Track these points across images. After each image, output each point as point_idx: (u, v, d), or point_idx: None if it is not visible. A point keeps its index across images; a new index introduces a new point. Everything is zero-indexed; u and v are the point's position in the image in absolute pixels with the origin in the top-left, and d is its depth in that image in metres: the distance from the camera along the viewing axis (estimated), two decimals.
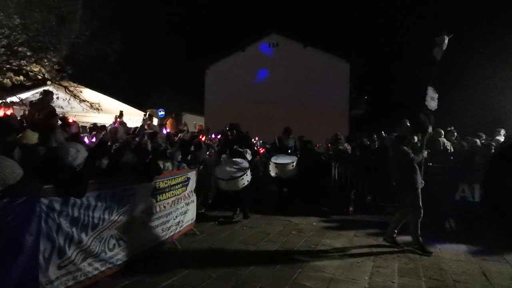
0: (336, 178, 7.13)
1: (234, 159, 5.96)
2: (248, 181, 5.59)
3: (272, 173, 6.83)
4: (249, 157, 6.02)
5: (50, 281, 2.69)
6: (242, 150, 6.23)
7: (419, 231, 4.48)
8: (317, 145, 11.49)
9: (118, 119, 8.12)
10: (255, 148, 9.55)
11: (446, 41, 4.64)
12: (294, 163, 6.61)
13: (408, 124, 4.63)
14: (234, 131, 6.33)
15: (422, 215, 4.45)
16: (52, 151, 2.85)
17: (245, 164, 5.81)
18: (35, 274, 2.56)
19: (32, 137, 3.05)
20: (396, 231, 4.69)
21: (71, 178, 2.77)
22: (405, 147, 4.50)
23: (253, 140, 10.27)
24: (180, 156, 5.02)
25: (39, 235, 2.57)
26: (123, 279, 3.36)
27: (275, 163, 6.72)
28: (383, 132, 8.88)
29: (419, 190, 4.45)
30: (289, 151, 7.05)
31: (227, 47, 23.34)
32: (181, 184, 4.71)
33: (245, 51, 22.42)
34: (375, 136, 8.85)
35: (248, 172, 5.63)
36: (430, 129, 4.80)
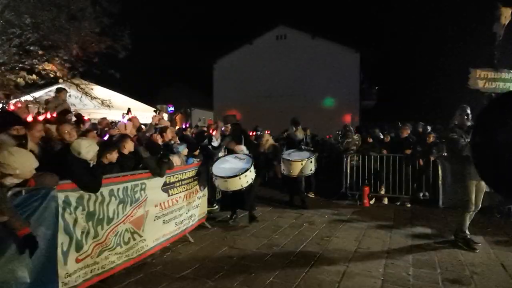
0: (348, 170, 7.06)
1: (236, 155, 5.21)
2: (248, 182, 4.75)
3: (285, 172, 5.98)
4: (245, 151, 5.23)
5: (69, 274, 2.77)
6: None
7: (466, 226, 4.23)
8: (327, 136, 11.40)
9: (126, 115, 8.19)
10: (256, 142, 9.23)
11: (509, 13, 4.22)
12: (312, 159, 5.87)
13: (469, 112, 4.23)
14: (229, 125, 5.68)
15: (472, 210, 4.18)
16: (66, 146, 2.90)
17: (248, 161, 4.99)
18: (54, 267, 2.63)
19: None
20: (466, 231, 4.27)
21: (85, 173, 2.82)
22: (454, 135, 4.12)
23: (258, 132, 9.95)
24: (187, 150, 5.02)
25: (56, 229, 2.64)
26: (138, 272, 3.43)
27: (288, 160, 5.88)
28: (399, 123, 8.63)
29: (472, 182, 4.09)
30: (302, 146, 6.43)
31: (234, 41, 23.12)
32: (192, 178, 4.74)
33: (253, 43, 22.23)
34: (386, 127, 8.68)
35: (250, 171, 4.81)
36: None
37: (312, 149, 6.46)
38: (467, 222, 4.25)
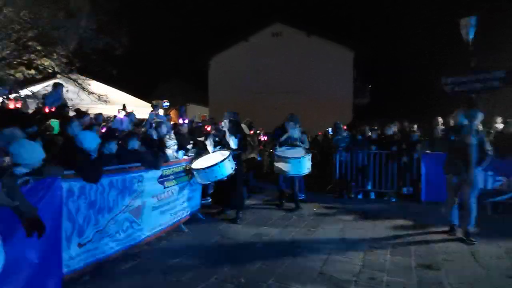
0: (337, 166, 7.34)
1: (221, 152, 5.10)
2: (232, 168, 4.72)
3: (281, 169, 5.60)
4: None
5: (71, 257, 3.01)
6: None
7: (450, 216, 4.61)
8: (319, 133, 11.71)
9: (122, 111, 8.38)
10: (254, 139, 9.34)
11: (473, 21, 4.41)
12: (309, 157, 5.58)
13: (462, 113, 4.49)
14: (226, 121, 5.45)
15: (453, 203, 4.53)
16: (70, 139, 3.11)
17: (225, 153, 4.92)
18: (58, 251, 2.87)
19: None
20: (455, 222, 4.61)
21: (87, 165, 3.04)
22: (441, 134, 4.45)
23: (255, 130, 10.09)
24: (177, 146, 5.23)
25: (61, 216, 2.87)
26: (135, 257, 3.68)
27: (283, 157, 5.47)
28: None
29: (450, 176, 4.47)
30: (297, 142, 6.03)
31: (230, 37, 23.19)
32: (186, 172, 4.98)
33: (249, 40, 22.35)
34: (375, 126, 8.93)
35: (227, 162, 4.69)
36: (479, 116, 4.40)
37: (307, 147, 6.17)
38: (452, 215, 4.59)
